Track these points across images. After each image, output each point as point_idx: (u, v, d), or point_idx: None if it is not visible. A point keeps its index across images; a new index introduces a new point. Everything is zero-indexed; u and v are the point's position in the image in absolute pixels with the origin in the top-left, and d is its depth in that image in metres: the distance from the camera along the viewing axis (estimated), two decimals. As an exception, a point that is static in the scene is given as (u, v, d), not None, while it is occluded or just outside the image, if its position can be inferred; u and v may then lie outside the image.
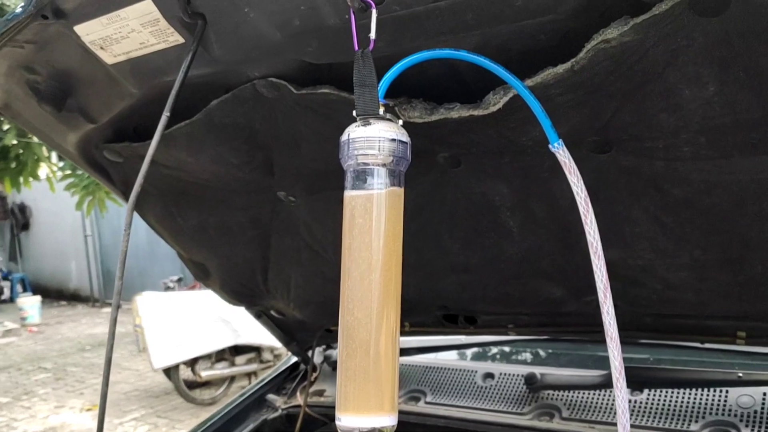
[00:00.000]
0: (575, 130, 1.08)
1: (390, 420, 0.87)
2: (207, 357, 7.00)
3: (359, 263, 0.89)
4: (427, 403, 1.84)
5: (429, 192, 1.33)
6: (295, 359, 2.19)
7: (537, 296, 1.46)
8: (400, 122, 0.93)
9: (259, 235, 1.57)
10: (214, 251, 1.65)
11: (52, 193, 8.16)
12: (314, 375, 2.09)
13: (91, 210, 7.82)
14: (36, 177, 7.69)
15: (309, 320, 1.84)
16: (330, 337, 1.99)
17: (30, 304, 11.83)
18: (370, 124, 0.89)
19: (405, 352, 1.99)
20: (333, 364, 2.11)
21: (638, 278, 1.29)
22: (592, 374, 1.66)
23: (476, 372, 1.86)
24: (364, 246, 0.89)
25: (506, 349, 2.00)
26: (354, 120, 0.92)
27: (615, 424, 1.59)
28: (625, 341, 1.73)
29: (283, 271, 1.66)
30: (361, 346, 0.87)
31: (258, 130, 1.29)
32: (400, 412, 1.82)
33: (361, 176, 0.90)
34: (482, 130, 1.10)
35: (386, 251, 0.90)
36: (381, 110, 0.90)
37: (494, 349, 2.00)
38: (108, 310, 13.06)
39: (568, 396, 1.68)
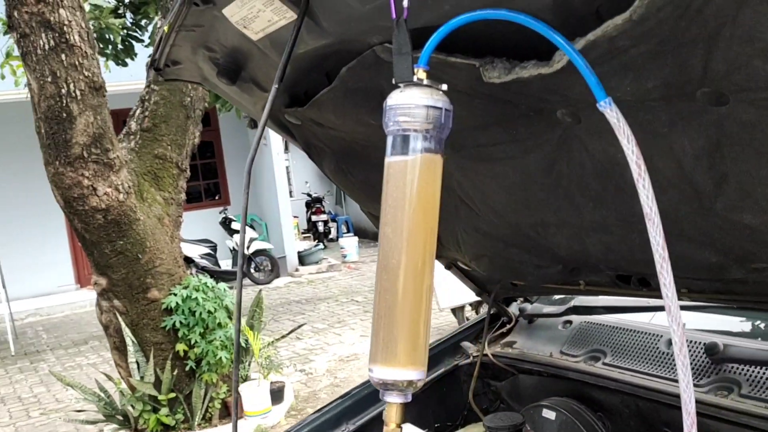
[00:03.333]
0: (672, 82, 0.98)
1: (415, 374, 0.92)
2: (490, 300, 7.24)
3: (393, 225, 0.94)
4: (604, 364, 1.77)
5: (556, 149, 1.29)
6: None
7: (691, 261, 1.33)
8: (444, 87, 0.94)
9: (419, 191, 1.65)
10: (380, 204, 1.77)
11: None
12: (508, 326, 2.13)
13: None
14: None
15: (487, 272, 1.88)
16: (517, 290, 2.00)
17: (349, 243, 13.27)
18: (405, 90, 0.92)
19: (591, 310, 1.93)
20: (528, 317, 2.13)
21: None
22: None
23: (661, 337, 1.74)
24: (398, 209, 0.93)
25: (693, 314, 1.82)
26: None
27: (801, 409, 1.40)
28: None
29: (448, 225, 1.72)
30: (389, 301, 0.93)
31: (387, 92, 1.36)
32: (576, 371, 1.81)
33: (398, 142, 0.93)
34: (569, 86, 1.05)
35: (417, 216, 0.93)
36: (418, 77, 0.92)
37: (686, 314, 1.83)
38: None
39: (753, 371, 1.50)
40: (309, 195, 15.58)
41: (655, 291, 1.59)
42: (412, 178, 0.92)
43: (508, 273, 1.85)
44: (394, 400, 0.92)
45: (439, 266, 6.22)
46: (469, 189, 1.55)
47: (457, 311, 7.37)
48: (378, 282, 0.95)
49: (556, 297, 2.16)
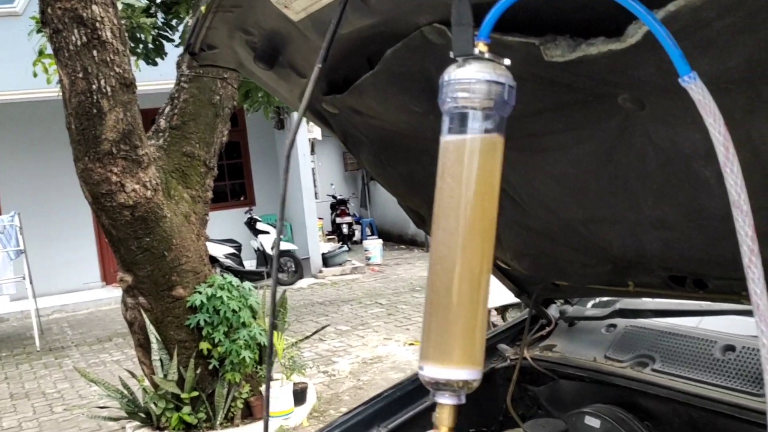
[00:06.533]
0: (757, 60, 0.89)
1: (471, 374, 0.84)
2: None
3: (447, 214, 0.86)
4: (653, 370, 1.68)
5: (615, 138, 1.21)
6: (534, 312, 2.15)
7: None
8: (506, 62, 0.86)
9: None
10: (423, 199, 1.69)
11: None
12: (547, 329, 2.04)
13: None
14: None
15: (529, 272, 1.79)
16: (559, 291, 1.92)
17: (373, 246, 13.21)
18: (465, 65, 0.85)
19: (638, 313, 1.84)
20: (568, 320, 2.04)
21: None
22: None
23: (716, 343, 1.64)
24: (454, 195, 0.86)
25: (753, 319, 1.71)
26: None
27: None
28: None
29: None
30: (442, 296, 0.85)
31: (434, 77, 1.29)
32: (624, 378, 1.72)
33: (456, 120, 0.86)
34: (639, 66, 0.97)
35: (476, 202, 0.85)
36: (479, 50, 0.85)
37: (738, 319, 1.73)
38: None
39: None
40: (334, 197, 15.54)
41: (712, 294, 1.49)
42: (470, 159, 0.85)
43: (552, 273, 1.77)
44: (446, 402, 0.84)
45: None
46: (515, 182, 1.47)
47: (503, 311, 7.24)
48: (432, 272, 0.87)
49: (598, 300, 2.07)
